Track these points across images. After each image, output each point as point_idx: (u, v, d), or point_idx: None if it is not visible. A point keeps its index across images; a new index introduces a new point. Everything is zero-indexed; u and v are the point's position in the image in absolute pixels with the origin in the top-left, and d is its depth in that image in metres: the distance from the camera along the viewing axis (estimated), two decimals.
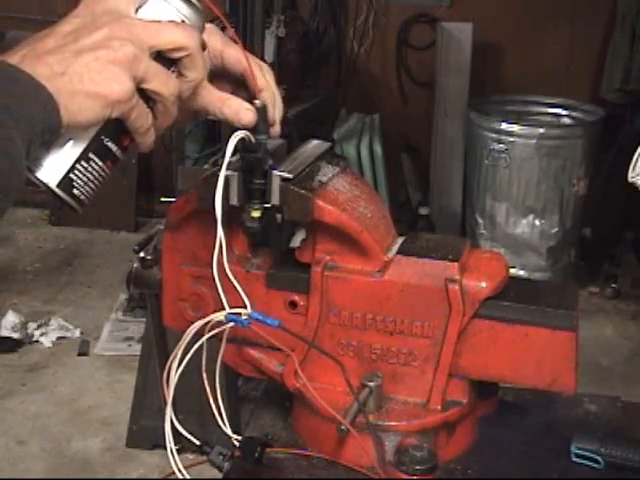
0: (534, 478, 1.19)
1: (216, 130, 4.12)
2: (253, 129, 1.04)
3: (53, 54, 0.84)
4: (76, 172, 0.90)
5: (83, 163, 0.90)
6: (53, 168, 0.89)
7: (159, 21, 0.92)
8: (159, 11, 0.94)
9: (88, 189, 0.91)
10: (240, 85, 1.05)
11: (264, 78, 1.04)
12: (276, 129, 1.06)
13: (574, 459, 1.20)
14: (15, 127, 0.78)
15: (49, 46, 0.85)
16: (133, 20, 0.90)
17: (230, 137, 1.03)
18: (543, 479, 1.19)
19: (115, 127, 0.90)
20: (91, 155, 0.90)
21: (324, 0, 4.87)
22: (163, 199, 4.17)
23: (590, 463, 1.19)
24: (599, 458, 1.19)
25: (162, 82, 0.89)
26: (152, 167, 5.26)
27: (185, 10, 0.94)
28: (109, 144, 0.91)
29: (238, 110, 1.01)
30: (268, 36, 3.88)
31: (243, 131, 1.03)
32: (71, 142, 0.89)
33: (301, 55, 4.64)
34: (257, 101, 1.03)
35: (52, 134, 0.84)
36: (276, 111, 1.05)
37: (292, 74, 4.36)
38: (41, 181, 0.89)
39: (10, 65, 0.82)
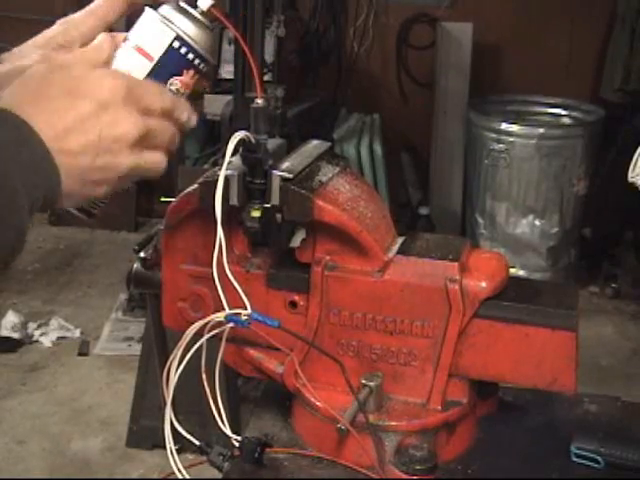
0: (534, 478, 1.19)
1: (216, 130, 4.12)
2: (253, 129, 1.05)
3: (74, 133, 0.86)
4: None
5: None
6: None
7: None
8: (154, 32, 0.92)
9: (98, 203, 0.95)
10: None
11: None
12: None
13: (574, 459, 1.19)
14: (25, 195, 0.81)
15: (68, 122, 0.86)
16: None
17: (230, 137, 1.03)
18: (543, 479, 1.19)
19: None
20: None
21: (324, 0, 4.86)
22: (163, 199, 4.16)
23: (590, 463, 1.19)
24: (599, 458, 1.18)
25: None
26: None
27: (191, 30, 0.93)
28: None
29: None
30: (268, 36, 3.87)
31: (243, 131, 1.03)
32: None
33: (301, 55, 4.63)
34: (259, 101, 1.03)
35: (49, 206, 0.86)
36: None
37: (292, 74, 4.36)
38: None
39: (24, 122, 0.82)
